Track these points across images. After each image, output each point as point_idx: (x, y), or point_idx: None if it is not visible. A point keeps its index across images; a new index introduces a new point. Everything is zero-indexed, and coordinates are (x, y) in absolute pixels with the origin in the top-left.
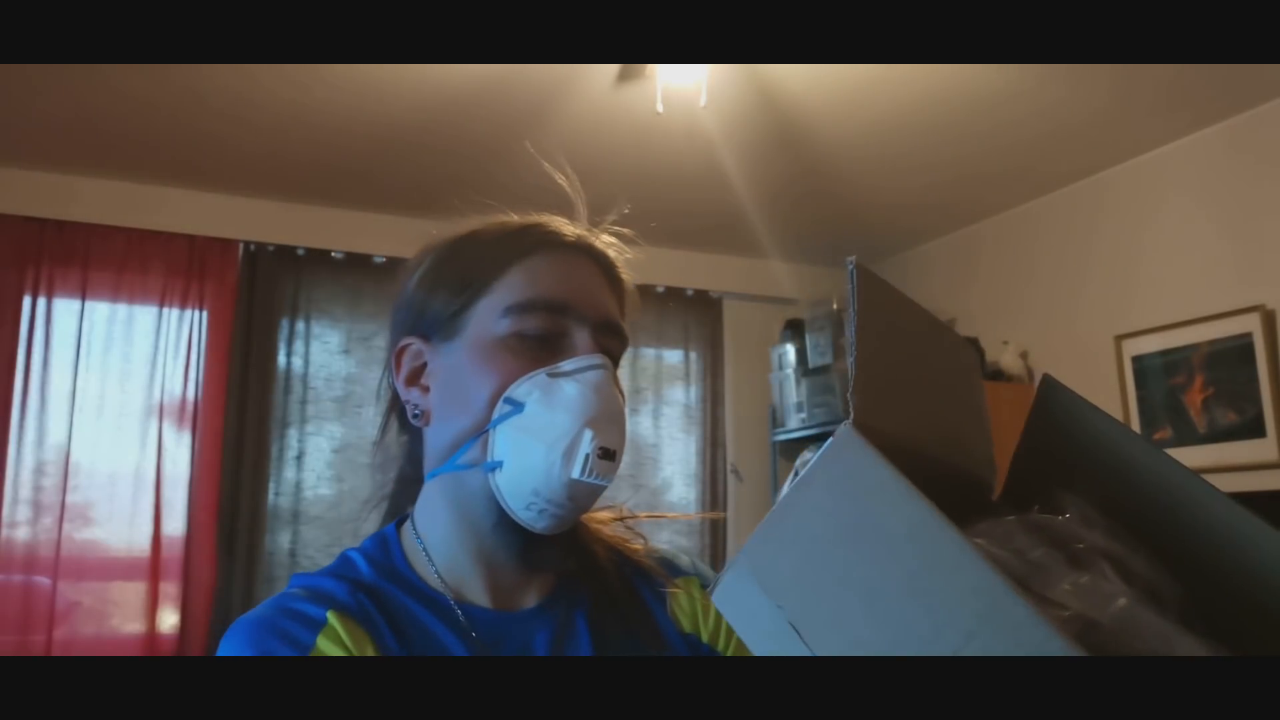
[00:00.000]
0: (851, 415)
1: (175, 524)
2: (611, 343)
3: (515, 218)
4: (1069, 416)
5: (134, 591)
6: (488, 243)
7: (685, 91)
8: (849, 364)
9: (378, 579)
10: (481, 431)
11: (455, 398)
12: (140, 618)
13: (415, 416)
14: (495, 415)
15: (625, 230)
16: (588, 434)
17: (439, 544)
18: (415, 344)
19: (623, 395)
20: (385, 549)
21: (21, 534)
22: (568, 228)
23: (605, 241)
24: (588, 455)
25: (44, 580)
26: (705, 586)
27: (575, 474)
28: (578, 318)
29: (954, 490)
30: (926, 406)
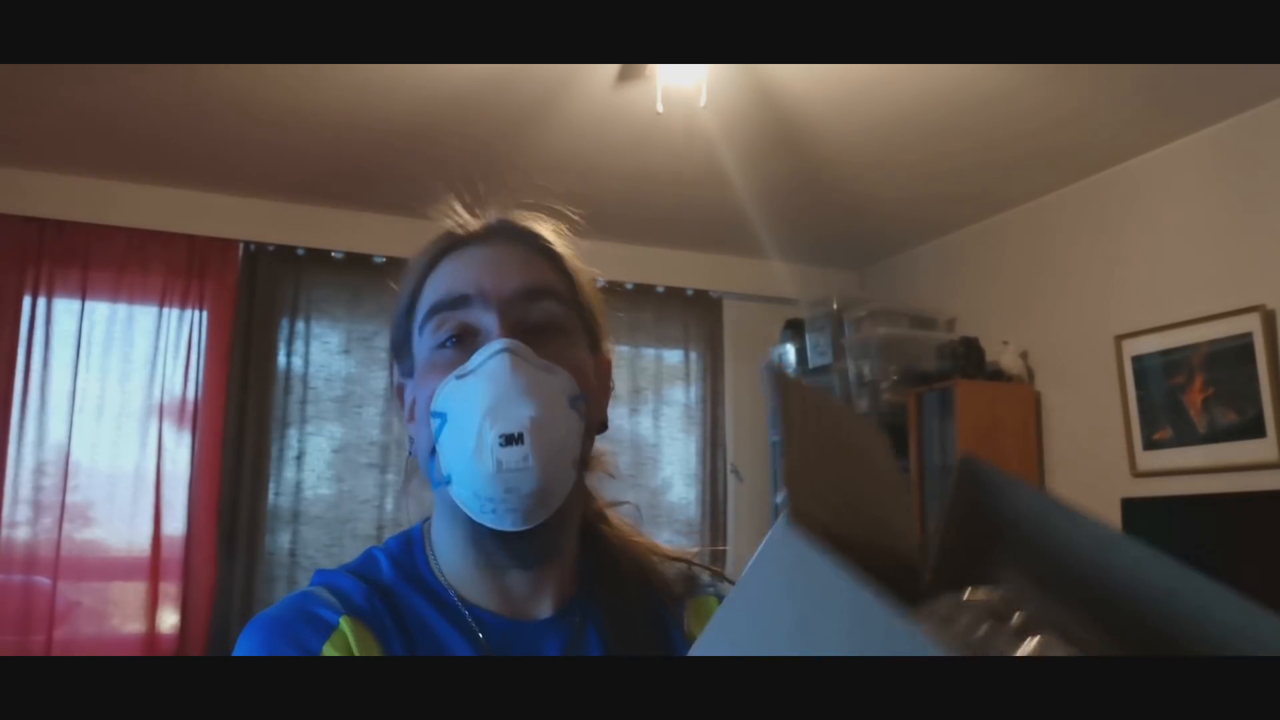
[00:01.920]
0: (787, 510)
1: (175, 524)
2: (533, 310)
3: (445, 225)
4: (991, 493)
5: (134, 591)
6: (410, 265)
7: (685, 91)
8: (780, 462)
9: (397, 580)
10: (432, 449)
11: (419, 424)
12: (140, 618)
13: (411, 454)
14: (434, 434)
15: (559, 209)
16: (485, 425)
17: (447, 553)
18: (402, 382)
19: (567, 373)
20: (409, 549)
21: (21, 534)
22: (470, 221)
23: (519, 218)
24: (490, 447)
25: (44, 580)
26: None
27: (489, 469)
28: (482, 306)
29: (889, 576)
30: (855, 495)
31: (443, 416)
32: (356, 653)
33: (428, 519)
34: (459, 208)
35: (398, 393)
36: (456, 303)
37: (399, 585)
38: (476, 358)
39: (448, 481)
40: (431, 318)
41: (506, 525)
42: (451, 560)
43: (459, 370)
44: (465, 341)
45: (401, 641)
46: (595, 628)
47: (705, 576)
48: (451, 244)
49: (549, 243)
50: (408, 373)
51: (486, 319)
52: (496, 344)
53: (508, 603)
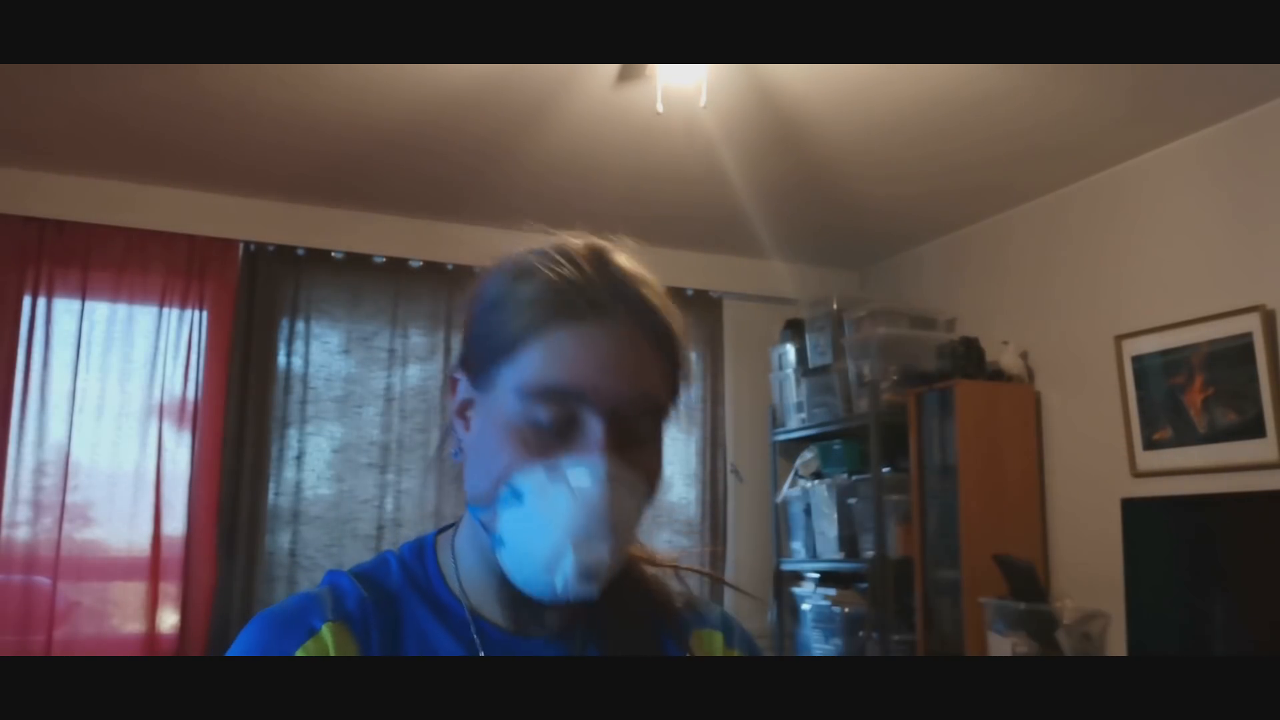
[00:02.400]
0: None
1: (175, 524)
2: (638, 422)
3: (558, 267)
4: None
5: (134, 591)
6: (523, 301)
7: (685, 91)
8: None
9: (404, 587)
10: (492, 501)
11: (479, 457)
12: (140, 618)
13: (456, 453)
14: (500, 495)
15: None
16: (565, 548)
17: (469, 569)
18: (464, 381)
19: (644, 479)
20: (421, 557)
21: (21, 534)
22: (588, 279)
23: (636, 284)
24: (564, 570)
25: (44, 580)
26: (729, 643)
27: (557, 589)
28: (591, 408)
29: None
30: None
31: (519, 496)
32: (333, 655)
33: (442, 529)
34: (566, 249)
35: (452, 387)
36: (568, 396)
37: (404, 593)
38: (571, 465)
39: (499, 544)
40: (538, 395)
41: (547, 600)
42: (472, 578)
43: (551, 465)
44: (563, 431)
45: (385, 649)
46: (596, 648)
47: (715, 611)
48: (563, 314)
49: (663, 317)
50: (480, 385)
51: (593, 423)
52: (599, 466)
53: (515, 619)
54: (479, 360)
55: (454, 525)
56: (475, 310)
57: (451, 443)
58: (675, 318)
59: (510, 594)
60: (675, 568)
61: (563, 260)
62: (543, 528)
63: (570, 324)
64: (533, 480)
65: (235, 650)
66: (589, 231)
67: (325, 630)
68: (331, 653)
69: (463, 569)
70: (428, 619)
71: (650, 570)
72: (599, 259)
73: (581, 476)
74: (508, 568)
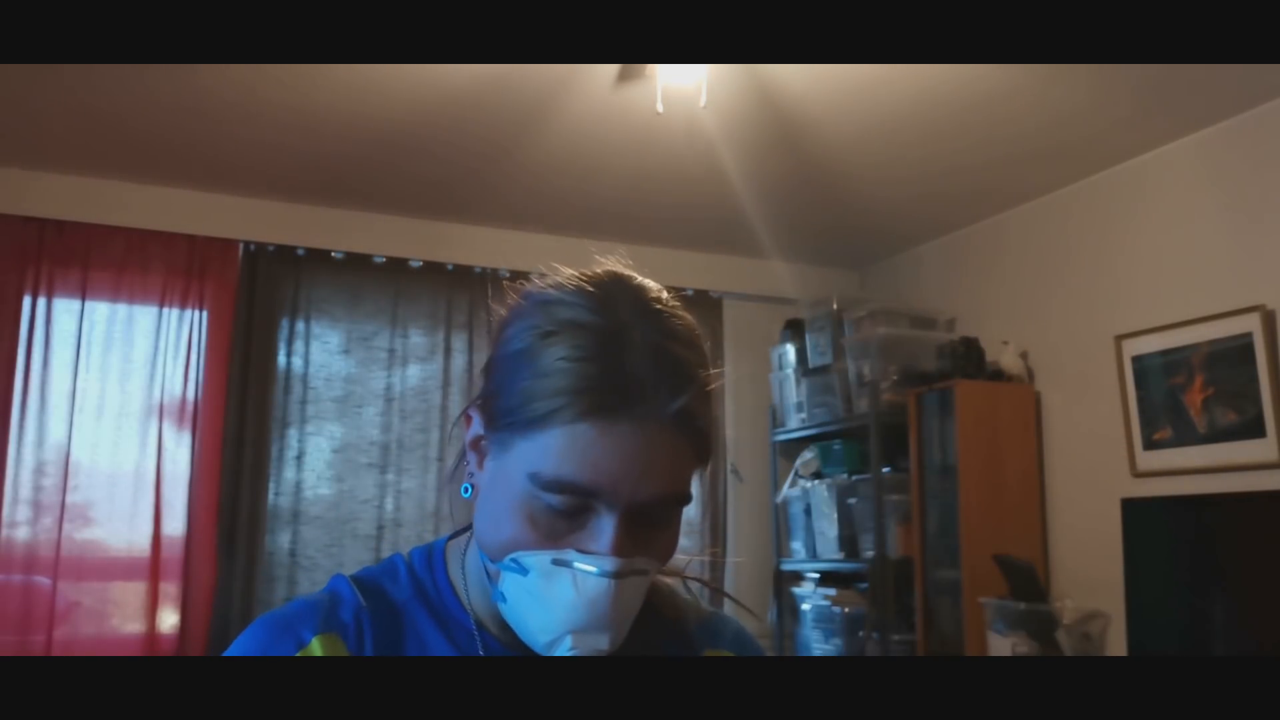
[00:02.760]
0: None
1: (175, 524)
2: (655, 511)
3: (591, 338)
4: None
5: (134, 591)
6: (549, 373)
7: (685, 91)
8: None
9: (410, 598)
10: (496, 560)
11: (488, 506)
12: (140, 618)
13: (466, 489)
14: (504, 562)
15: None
16: (567, 640)
17: (477, 584)
18: (478, 420)
19: (656, 561)
20: (430, 566)
21: (21, 534)
22: (629, 376)
23: (683, 370)
24: (564, 650)
25: (44, 580)
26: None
27: (554, 655)
28: (608, 503)
29: None
30: None
31: (524, 570)
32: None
33: (454, 535)
34: (603, 307)
35: (467, 421)
36: (586, 490)
37: (410, 604)
38: (580, 561)
39: (501, 599)
40: (551, 486)
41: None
42: (480, 593)
43: (558, 555)
44: (577, 514)
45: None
46: None
47: (729, 630)
48: (595, 402)
49: (700, 416)
50: (495, 439)
51: (606, 516)
52: (609, 565)
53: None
54: (497, 418)
55: (467, 531)
56: (497, 358)
57: (464, 472)
58: (707, 370)
59: None
60: (679, 576)
61: (597, 328)
62: (544, 609)
63: (595, 419)
64: (538, 562)
65: (230, 654)
66: (589, 231)
67: (315, 643)
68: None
69: (471, 583)
70: (431, 630)
71: (663, 583)
72: (638, 322)
73: (588, 573)
74: (508, 620)
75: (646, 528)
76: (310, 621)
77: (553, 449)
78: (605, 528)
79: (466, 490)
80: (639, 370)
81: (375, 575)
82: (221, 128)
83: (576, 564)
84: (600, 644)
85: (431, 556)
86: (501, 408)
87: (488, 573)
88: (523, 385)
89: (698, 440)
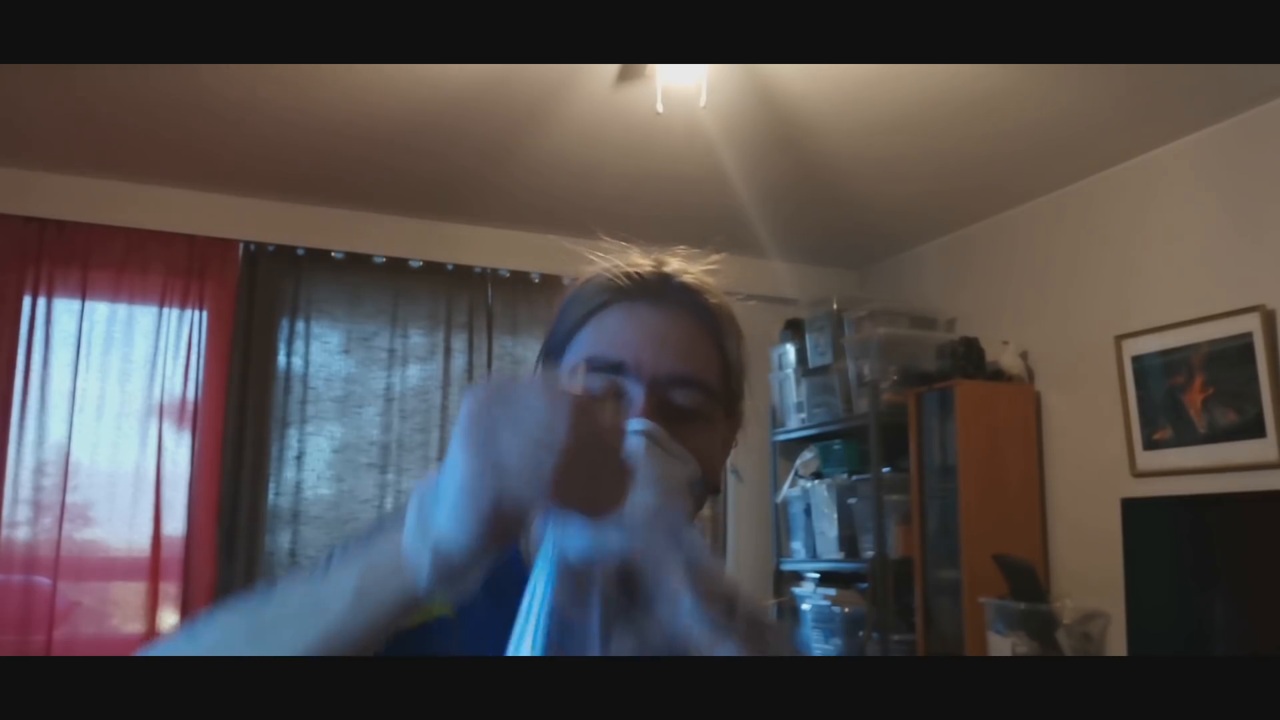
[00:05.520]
0: None
1: (175, 524)
2: (679, 395)
3: (619, 265)
4: None
5: (134, 591)
6: (575, 297)
7: (685, 91)
8: None
9: None
10: None
11: None
12: (140, 618)
13: None
14: None
15: (715, 259)
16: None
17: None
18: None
19: (691, 455)
20: None
21: (21, 534)
22: (637, 265)
23: (689, 277)
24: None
25: (44, 580)
26: None
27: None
28: (633, 378)
29: None
30: None
31: None
32: None
33: None
34: (623, 247)
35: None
36: (610, 366)
37: None
38: None
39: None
40: (586, 368)
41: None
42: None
43: None
44: (614, 397)
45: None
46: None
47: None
48: (616, 296)
49: (713, 309)
50: (550, 358)
51: (634, 389)
52: (636, 424)
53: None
54: (549, 356)
55: None
56: (552, 321)
57: None
58: (728, 311)
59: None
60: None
61: (631, 272)
62: None
63: (620, 304)
64: None
65: None
66: (589, 232)
67: None
68: None
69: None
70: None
71: (718, 561)
72: (659, 261)
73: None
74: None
75: (676, 416)
76: None
77: (587, 338)
78: (634, 395)
79: None
80: (662, 275)
81: None
82: (221, 127)
83: None
84: (647, 498)
85: None
86: (550, 345)
87: None
88: (565, 315)
89: (716, 331)
